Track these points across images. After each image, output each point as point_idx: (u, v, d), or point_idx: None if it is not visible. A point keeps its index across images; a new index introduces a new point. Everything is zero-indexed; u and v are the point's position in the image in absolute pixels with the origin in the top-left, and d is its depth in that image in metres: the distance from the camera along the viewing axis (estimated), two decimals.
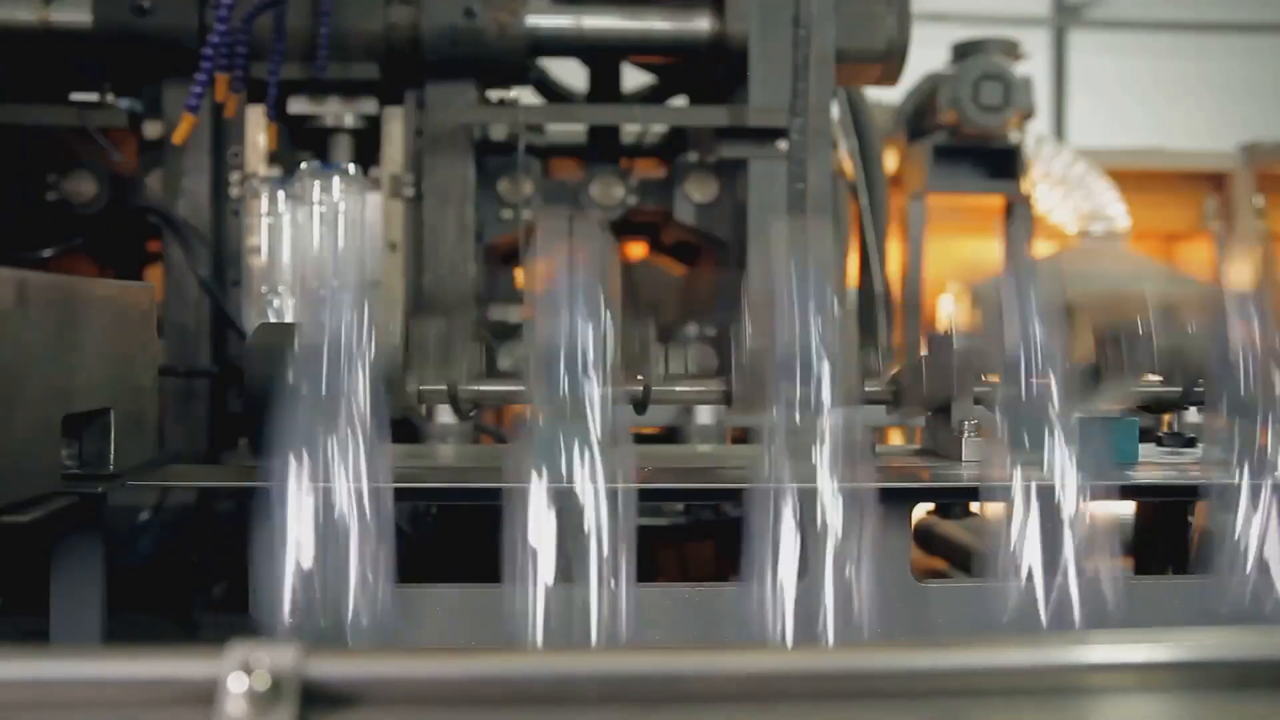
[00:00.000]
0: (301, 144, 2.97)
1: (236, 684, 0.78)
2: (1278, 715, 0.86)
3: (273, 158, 2.87)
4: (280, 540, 1.20)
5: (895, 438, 3.46)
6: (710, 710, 0.84)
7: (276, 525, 1.22)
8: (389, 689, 0.82)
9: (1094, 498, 1.66)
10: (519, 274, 3.30)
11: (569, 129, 3.54)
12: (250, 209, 2.77)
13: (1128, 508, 2.16)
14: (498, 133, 3.04)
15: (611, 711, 0.83)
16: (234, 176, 2.85)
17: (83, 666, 0.83)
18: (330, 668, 0.82)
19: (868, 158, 3.66)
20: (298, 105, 2.89)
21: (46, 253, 2.92)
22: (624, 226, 3.28)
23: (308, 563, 1.24)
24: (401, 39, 2.82)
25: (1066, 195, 7.12)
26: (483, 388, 1.68)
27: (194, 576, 2.59)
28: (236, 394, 2.82)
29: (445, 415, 2.59)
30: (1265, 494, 1.35)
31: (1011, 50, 5.34)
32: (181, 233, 2.81)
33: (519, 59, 2.87)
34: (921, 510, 2.82)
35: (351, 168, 2.77)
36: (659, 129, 3.45)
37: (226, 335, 2.84)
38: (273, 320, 2.65)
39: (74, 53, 2.81)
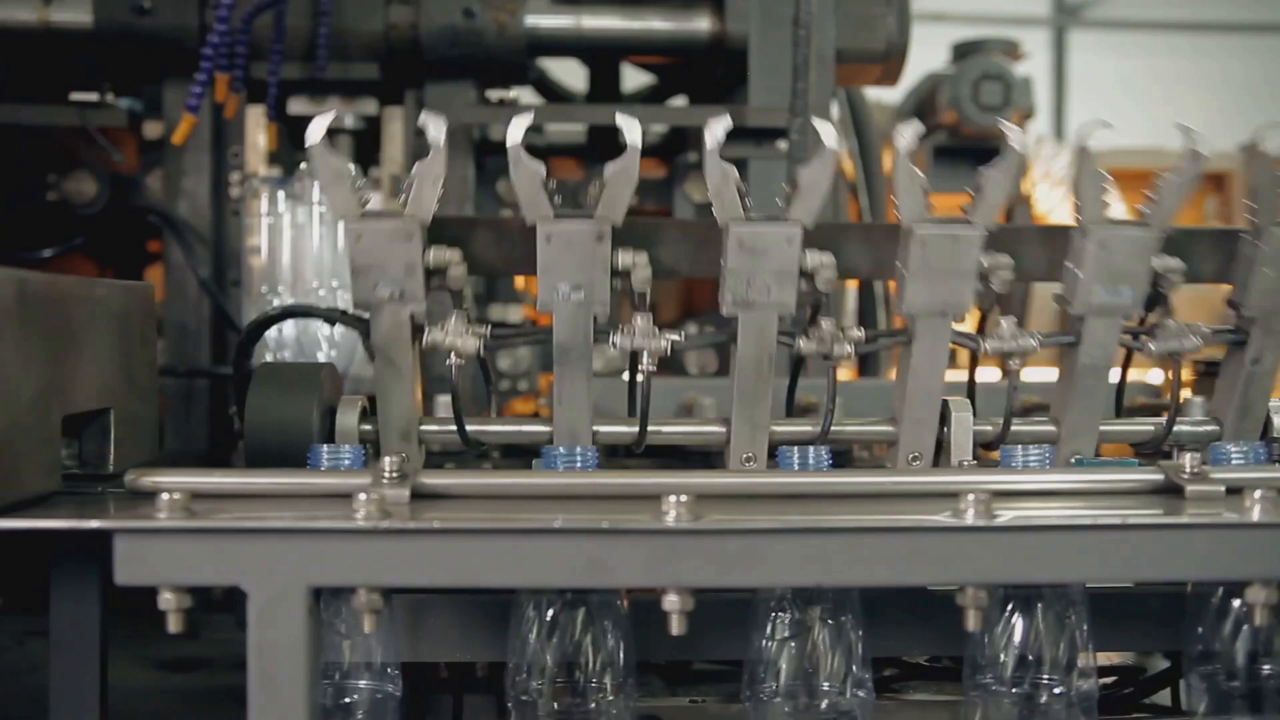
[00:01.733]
0: (301, 144, 2.97)
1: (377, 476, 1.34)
2: None
3: (272, 158, 2.87)
4: None
5: None
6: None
7: None
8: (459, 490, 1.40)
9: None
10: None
11: (569, 129, 3.54)
12: (250, 209, 2.77)
13: None
14: (497, 133, 3.04)
15: (590, 505, 1.37)
16: (234, 176, 2.84)
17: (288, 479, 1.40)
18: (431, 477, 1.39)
19: (868, 158, 3.65)
20: (298, 105, 2.89)
21: (47, 253, 2.92)
22: None
23: None
24: (401, 39, 2.82)
25: (1066, 195, 7.12)
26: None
27: None
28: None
29: None
30: None
31: (1011, 50, 5.34)
32: (181, 233, 2.80)
33: (519, 59, 2.87)
34: None
35: (351, 167, 2.77)
36: (659, 129, 3.45)
37: (226, 335, 2.84)
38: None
39: (74, 52, 2.80)
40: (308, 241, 2.66)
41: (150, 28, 2.74)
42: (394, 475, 1.30)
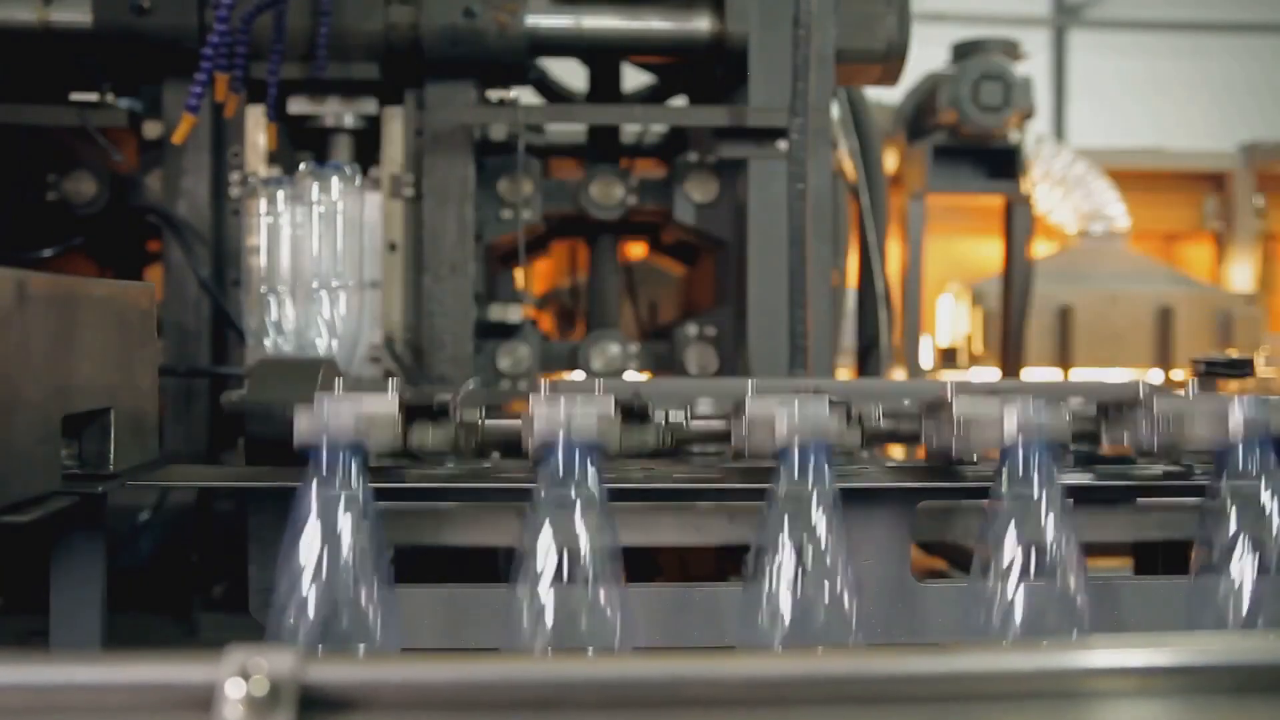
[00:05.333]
0: (301, 144, 2.97)
1: (234, 689, 0.78)
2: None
3: (273, 158, 2.87)
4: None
5: None
6: (707, 716, 0.85)
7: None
8: (387, 693, 0.82)
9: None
10: (518, 274, 3.30)
11: (569, 129, 3.54)
12: (250, 209, 2.77)
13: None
14: (497, 133, 3.04)
15: (609, 717, 0.83)
16: (234, 176, 2.84)
17: (81, 672, 0.84)
18: (328, 672, 0.82)
19: (868, 158, 3.65)
20: (298, 105, 2.89)
21: (46, 252, 2.92)
22: (624, 226, 3.28)
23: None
24: (401, 39, 2.82)
25: (1066, 195, 7.12)
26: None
27: (194, 576, 2.59)
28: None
29: None
30: None
31: (1011, 50, 5.34)
32: (181, 233, 2.80)
33: (519, 59, 2.87)
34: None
35: (348, 168, 2.77)
36: (659, 129, 3.45)
37: (226, 335, 2.84)
38: (269, 336, 2.65)
39: (74, 53, 2.81)
40: (308, 242, 2.66)
41: (150, 28, 2.75)
42: (267, 676, 0.80)
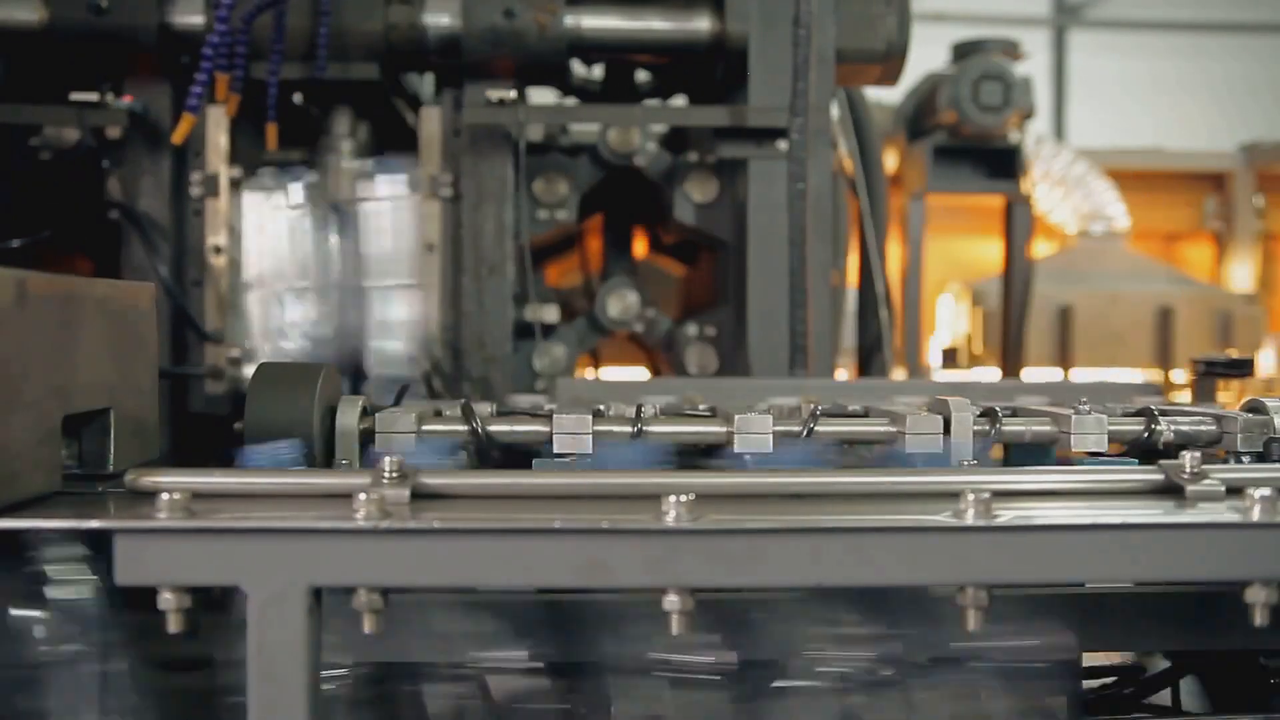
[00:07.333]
0: (301, 144, 2.97)
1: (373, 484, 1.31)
2: None
3: (270, 157, 2.87)
4: None
5: None
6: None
7: None
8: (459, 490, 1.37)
9: None
10: (545, 274, 3.28)
11: (590, 129, 3.53)
12: (210, 208, 2.76)
13: None
14: (533, 134, 3.03)
15: (590, 504, 1.34)
16: (195, 176, 2.83)
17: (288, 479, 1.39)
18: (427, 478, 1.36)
19: (868, 158, 3.65)
20: (296, 105, 2.89)
21: (15, 243, 2.88)
22: None
23: None
24: (401, 38, 2.82)
25: (1066, 195, 7.13)
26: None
27: None
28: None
29: None
30: None
31: (1011, 50, 5.34)
32: (145, 231, 2.79)
33: (561, 59, 2.87)
34: None
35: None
36: (659, 129, 3.44)
37: (186, 335, 2.84)
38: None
39: (28, 51, 2.78)
40: (306, 241, 2.66)
41: (107, 27, 2.72)
42: (394, 475, 1.30)
